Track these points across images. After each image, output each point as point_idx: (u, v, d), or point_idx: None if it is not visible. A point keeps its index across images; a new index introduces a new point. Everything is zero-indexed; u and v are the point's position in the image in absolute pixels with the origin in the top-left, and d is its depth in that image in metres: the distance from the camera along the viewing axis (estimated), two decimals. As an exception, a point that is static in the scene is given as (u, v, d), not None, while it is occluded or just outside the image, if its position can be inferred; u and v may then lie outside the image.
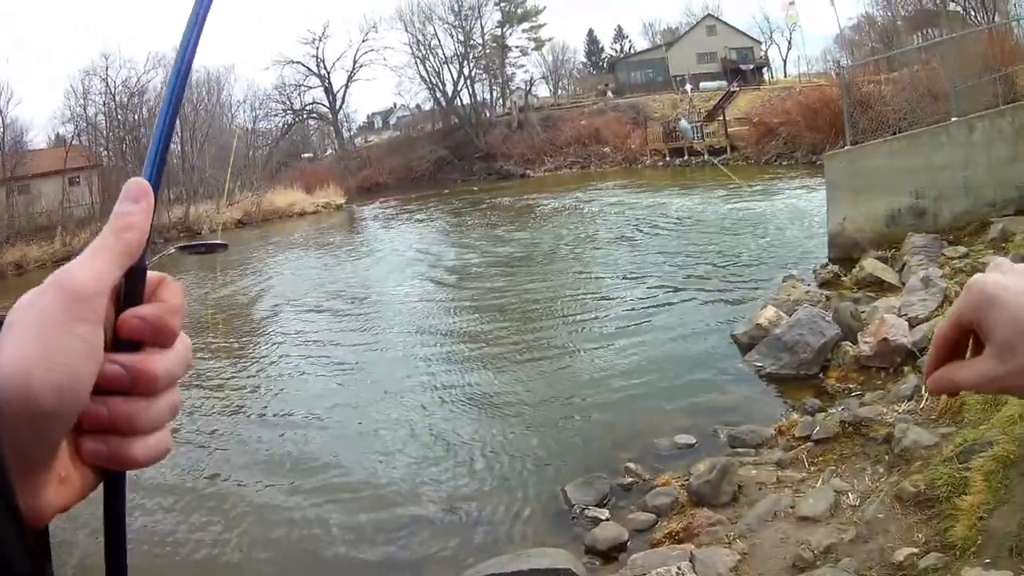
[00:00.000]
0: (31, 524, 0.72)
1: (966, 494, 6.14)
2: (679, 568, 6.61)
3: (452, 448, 12.17)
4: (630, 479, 10.01)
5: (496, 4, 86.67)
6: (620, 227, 32.70)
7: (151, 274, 0.82)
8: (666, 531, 8.23)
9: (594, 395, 13.69)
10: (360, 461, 12.22)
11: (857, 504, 7.34)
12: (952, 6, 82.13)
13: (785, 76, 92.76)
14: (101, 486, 0.82)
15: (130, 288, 0.80)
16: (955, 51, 23.52)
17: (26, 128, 63.62)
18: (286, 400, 15.67)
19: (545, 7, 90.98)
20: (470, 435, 12.65)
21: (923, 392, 9.75)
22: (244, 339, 21.93)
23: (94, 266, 0.75)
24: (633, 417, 12.37)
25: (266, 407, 15.43)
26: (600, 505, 9.52)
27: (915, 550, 6.00)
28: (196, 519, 10.81)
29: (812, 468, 8.86)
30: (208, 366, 18.41)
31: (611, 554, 8.36)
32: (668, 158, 62.32)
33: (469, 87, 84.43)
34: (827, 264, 18.62)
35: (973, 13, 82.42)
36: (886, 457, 8.24)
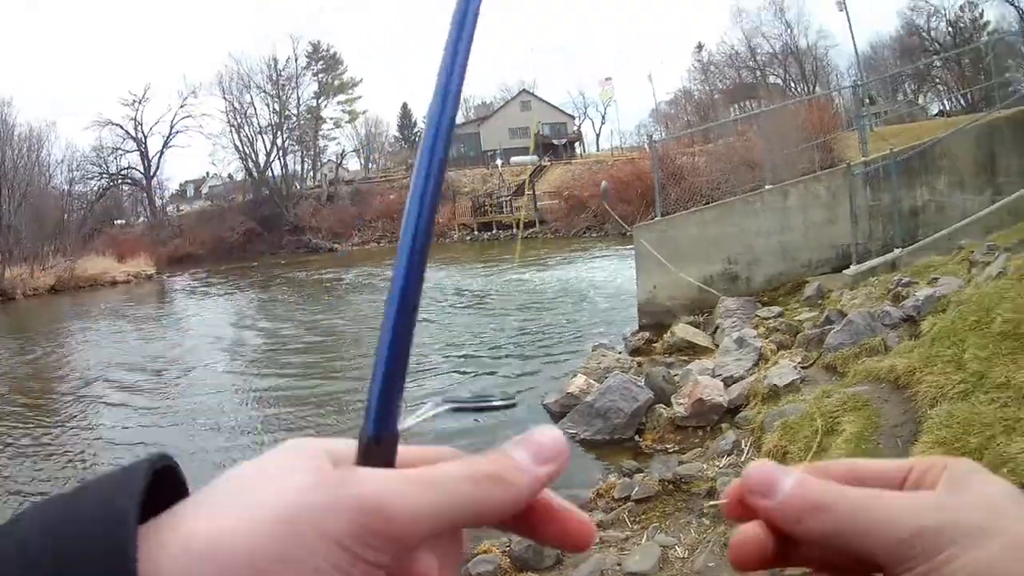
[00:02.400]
0: None
1: (798, 537, 5.95)
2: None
3: None
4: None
5: (314, 75, 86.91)
6: (427, 303, 32.41)
7: None
8: (493, 599, 7.84)
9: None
10: None
11: (685, 556, 7.14)
12: (772, 79, 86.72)
13: (598, 150, 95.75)
14: None
15: (369, 453, 0.57)
16: (773, 121, 24.45)
17: None
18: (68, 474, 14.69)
19: (362, 80, 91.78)
20: None
21: (743, 446, 9.72)
22: (39, 411, 20.41)
23: (420, 501, 0.53)
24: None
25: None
26: (459, 571, 9.06)
27: (750, 594, 5.74)
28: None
29: (635, 526, 8.66)
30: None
31: None
32: (476, 232, 62.99)
33: (281, 158, 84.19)
34: (637, 331, 18.85)
35: (794, 85, 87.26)
36: (711, 510, 8.04)
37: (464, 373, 18.84)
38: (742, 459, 9.46)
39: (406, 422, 0.59)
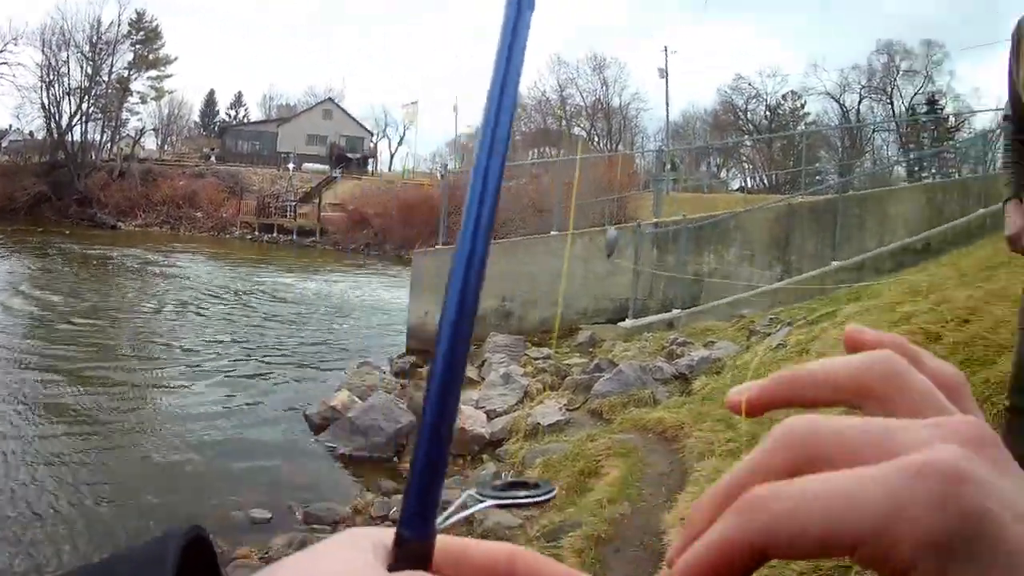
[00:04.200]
0: None
1: (558, 569, 6.05)
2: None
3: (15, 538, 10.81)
4: (209, 553, 9.33)
5: (132, 45, 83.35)
6: (207, 294, 31.58)
7: None
8: (247, 605, 7.67)
9: (160, 462, 12.73)
10: None
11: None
12: (577, 130, 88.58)
13: (390, 170, 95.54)
14: None
15: (406, 557, 0.48)
16: (570, 170, 24.97)
17: None
18: None
19: (176, 58, 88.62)
20: (25, 503, 11.21)
21: (503, 478, 9.83)
22: None
23: None
24: (204, 487, 11.72)
25: None
26: (178, 576, 8.77)
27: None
28: None
29: (394, 546, 8.60)
30: None
31: None
32: (258, 233, 61.83)
33: (83, 124, 79.75)
34: (404, 354, 18.92)
35: (598, 139, 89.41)
36: (470, 536, 8.07)
37: (231, 376, 18.26)
38: (501, 491, 9.57)
39: (444, 518, 0.51)
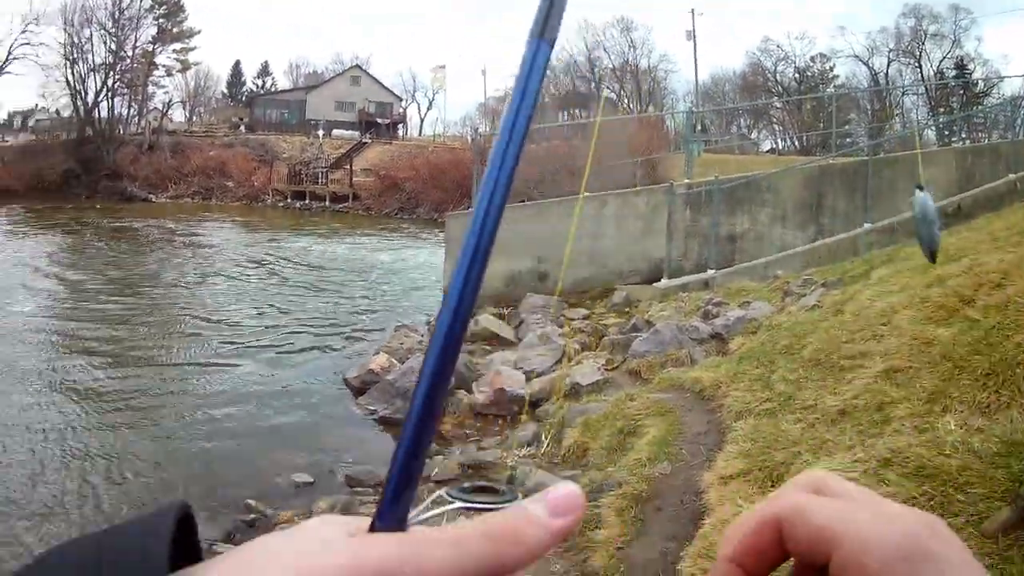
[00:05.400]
0: None
1: (600, 528, 6.12)
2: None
3: (66, 499, 10.95)
4: (252, 515, 9.51)
5: (155, 19, 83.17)
6: (243, 264, 31.65)
7: None
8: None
9: (208, 433, 12.93)
10: None
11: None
12: (607, 92, 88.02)
13: (421, 135, 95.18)
14: None
15: None
16: (600, 132, 24.84)
17: None
18: None
19: (200, 31, 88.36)
20: (82, 480, 11.37)
21: (543, 439, 9.89)
22: None
23: (435, 560, 0.48)
24: (250, 455, 11.85)
25: None
26: (227, 540, 8.93)
27: (555, 580, 5.89)
28: None
29: (436, 508, 8.66)
30: None
31: None
32: (290, 200, 61.72)
33: (109, 100, 79.73)
34: (441, 317, 18.88)
35: (628, 101, 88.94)
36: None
37: (270, 345, 18.45)
38: (541, 451, 9.63)
39: (416, 513, 0.55)
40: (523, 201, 21.99)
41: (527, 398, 12.18)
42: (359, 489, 9.94)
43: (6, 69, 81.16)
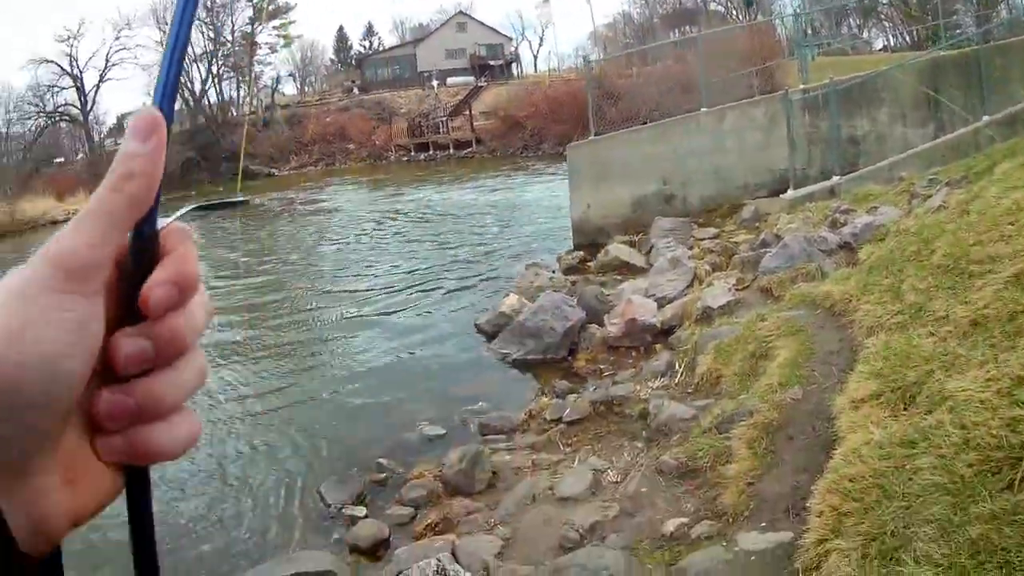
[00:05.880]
0: (36, 542, 0.61)
1: (731, 462, 5.92)
2: (439, 560, 6.08)
3: (202, 458, 11.29)
4: (383, 474, 9.52)
5: (248, 1, 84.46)
6: (366, 223, 31.99)
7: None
8: (426, 523, 7.77)
9: (341, 392, 13.10)
10: None
11: (618, 480, 7.04)
12: (713, 5, 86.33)
13: (536, 72, 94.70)
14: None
15: (140, 249, 0.64)
16: (712, 45, 24.22)
17: None
18: None
19: (296, 4, 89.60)
20: (220, 443, 11.80)
21: (676, 368, 9.63)
22: None
23: (89, 230, 0.62)
24: (381, 411, 11.91)
25: None
26: (357, 503, 8.98)
27: (685, 520, 5.73)
28: None
29: (567, 449, 8.57)
30: None
31: (375, 551, 7.88)
32: (414, 153, 62.12)
33: (216, 86, 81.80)
34: (572, 251, 18.71)
35: (735, 12, 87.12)
36: (643, 433, 8.01)
37: (401, 297, 18.58)
38: (675, 381, 9.38)
39: (165, 221, 0.66)
40: (644, 123, 21.55)
41: (659, 326, 11.95)
42: (491, 437, 9.79)
43: (107, 77, 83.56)
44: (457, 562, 6.33)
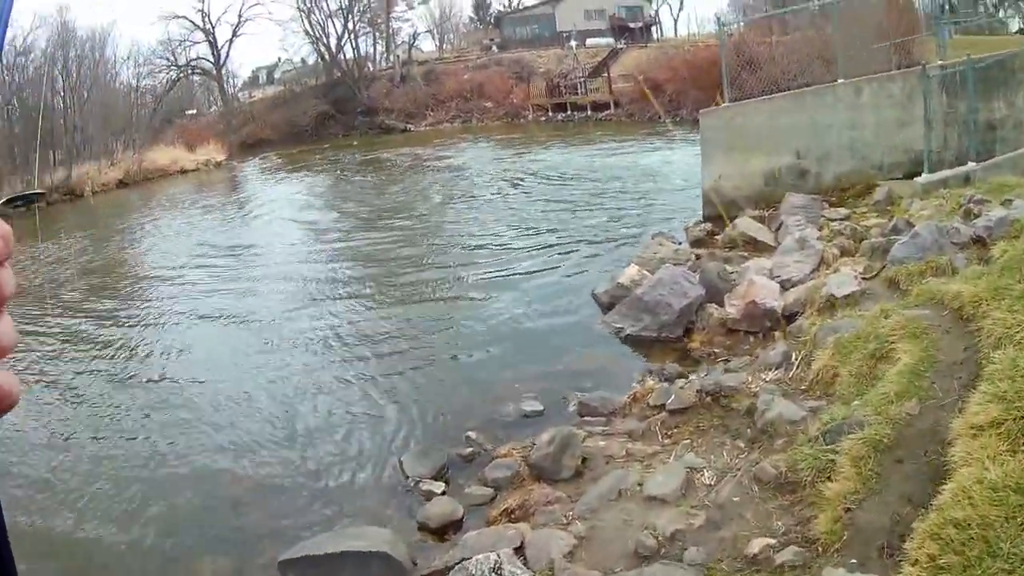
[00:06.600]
0: None
1: (832, 480, 5.40)
2: (498, 558, 5.76)
3: (298, 414, 11.45)
4: (470, 449, 9.28)
5: None
6: (496, 182, 31.77)
7: None
8: (503, 508, 7.51)
9: (445, 357, 12.95)
10: (207, 432, 11.34)
11: (712, 483, 6.59)
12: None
13: (676, 35, 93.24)
14: None
15: None
16: (848, 15, 23.12)
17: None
18: (154, 361, 14.84)
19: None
20: (315, 398, 11.93)
21: (793, 361, 9.02)
22: (121, 301, 20.39)
23: None
24: (481, 381, 11.68)
25: (132, 369, 14.51)
26: (437, 477, 8.78)
27: (772, 541, 5.26)
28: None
29: (666, 441, 8.12)
30: (82, 329, 17.52)
31: (444, 532, 7.68)
32: (551, 113, 61.64)
33: (353, 41, 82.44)
34: (700, 222, 18.07)
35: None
36: (747, 431, 7.52)
37: (523, 262, 18.23)
38: (789, 375, 8.78)
39: None
40: (781, 91, 20.68)
41: (780, 311, 11.30)
42: (589, 419, 9.36)
43: (240, 32, 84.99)
44: (523, 556, 6.06)
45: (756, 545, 5.22)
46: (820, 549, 4.91)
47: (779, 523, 5.48)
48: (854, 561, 4.57)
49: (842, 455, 5.58)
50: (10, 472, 10.40)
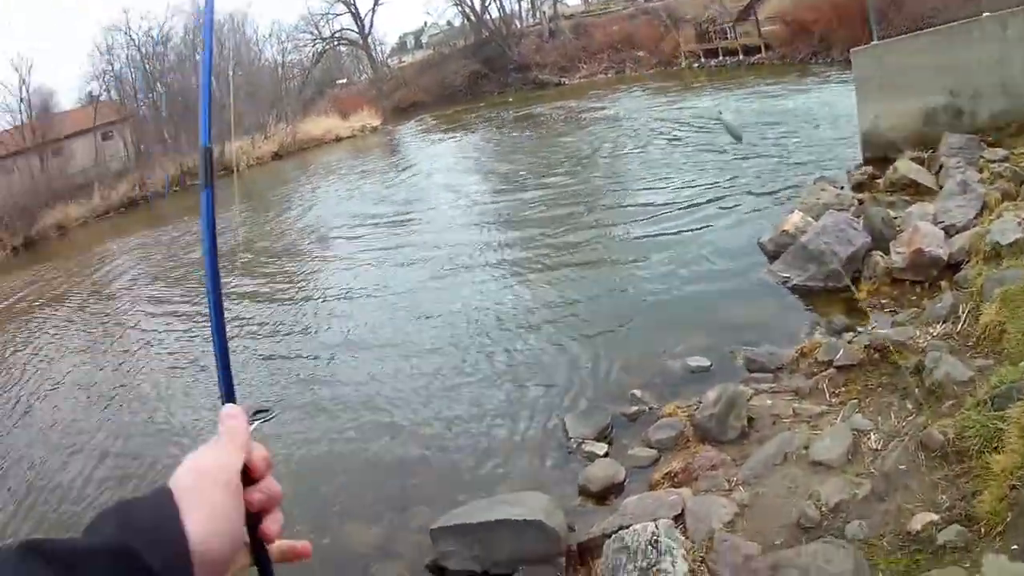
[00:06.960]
0: None
1: (999, 451, 5.27)
2: (655, 530, 5.89)
3: (464, 370, 11.91)
4: (635, 408, 9.37)
5: None
6: (654, 131, 31.31)
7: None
8: (666, 471, 7.60)
9: (611, 312, 13.05)
10: (377, 392, 12.02)
11: (878, 448, 6.52)
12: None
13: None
14: None
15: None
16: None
17: (52, 92, 64.25)
18: (325, 327, 15.96)
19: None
20: (480, 354, 12.37)
21: (960, 314, 8.81)
22: (287, 269, 21.75)
23: (235, 461, 1.14)
24: (647, 336, 11.74)
25: (306, 334, 15.78)
26: (600, 438, 8.91)
27: (935, 518, 5.17)
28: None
29: (834, 400, 8.05)
30: (258, 293, 19.02)
31: (605, 496, 7.83)
32: (703, 59, 60.55)
33: (498, 0, 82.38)
34: (861, 165, 17.56)
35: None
36: (915, 391, 7.32)
37: (695, 205, 18.26)
38: (957, 329, 8.53)
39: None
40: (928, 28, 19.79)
41: (946, 259, 10.98)
42: (756, 375, 9.36)
43: (382, 1, 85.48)
44: (683, 525, 6.15)
45: (919, 521, 5.16)
46: (983, 530, 4.81)
47: (943, 496, 5.38)
48: (1015, 547, 4.50)
49: (1010, 423, 5.38)
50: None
